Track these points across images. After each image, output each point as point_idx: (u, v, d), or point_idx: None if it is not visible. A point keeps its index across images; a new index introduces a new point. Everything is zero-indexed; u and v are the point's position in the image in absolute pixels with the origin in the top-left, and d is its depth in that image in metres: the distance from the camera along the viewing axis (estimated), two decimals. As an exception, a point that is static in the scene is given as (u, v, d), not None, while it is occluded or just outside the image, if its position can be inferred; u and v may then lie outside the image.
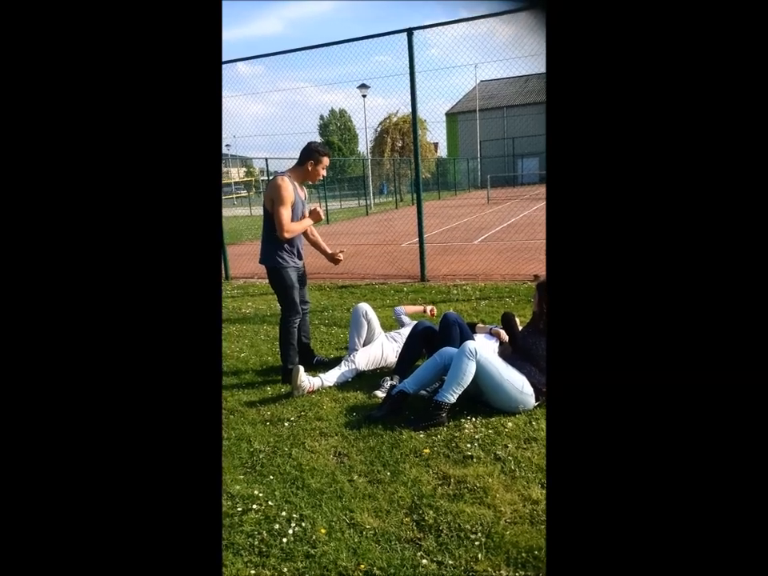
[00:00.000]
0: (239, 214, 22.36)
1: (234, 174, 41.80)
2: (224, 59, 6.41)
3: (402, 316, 3.82)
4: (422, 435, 2.51)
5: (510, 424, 2.56)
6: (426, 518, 1.89)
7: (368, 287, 6.22)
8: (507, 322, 3.00)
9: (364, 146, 32.15)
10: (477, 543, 1.74)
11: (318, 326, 4.60)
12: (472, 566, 1.65)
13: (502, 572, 1.62)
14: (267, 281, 3.43)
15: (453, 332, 3.08)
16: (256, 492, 2.13)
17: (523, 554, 1.67)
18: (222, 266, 7.35)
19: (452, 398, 2.60)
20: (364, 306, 3.49)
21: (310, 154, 3.23)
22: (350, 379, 3.28)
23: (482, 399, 2.73)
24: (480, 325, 3.47)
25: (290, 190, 3.15)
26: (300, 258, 3.36)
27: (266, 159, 16.57)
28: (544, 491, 1.97)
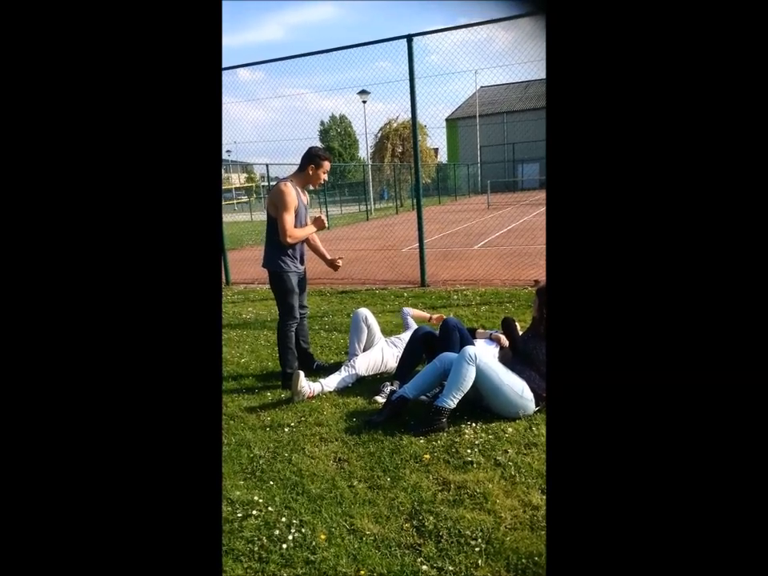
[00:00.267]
0: (240, 219, 22.39)
1: (234, 179, 41.91)
2: (225, 65, 6.45)
3: (408, 318, 3.83)
4: (422, 440, 2.51)
5: (510, 429, 2.55)
6: (426, 523, 1.89)
7: (368, 292, 6.22)
8: (507, 326, 3.00)
9: (364, 151, 32.28)
10: (477, 549, 1.74)
11: (319, 331, 4.60)
12: (472, 572, 1.65)
13: (502, 578, 1.61)
14: (268, 286, 3.44)
15: (453, 337, 3.08)
16: (256, 498, 2.12)
17: (523, 560, 1.67)
18: (223, 272, 7.36)
19: (452, 403, 2.60)
20: (364, 312, 3.49)
21: (311, 158, 3.27)
22: (350, 384, 3.28)
23: (482, 404, 2.73)
24: (480, 330, 3.47)
25: (293, 195, 3.19)
26: (302, 262, 3.40)
27: (267, 165, 16.62)
28: (544, 497, 1.96)
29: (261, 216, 21.39)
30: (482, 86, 35.23)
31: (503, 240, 10.20)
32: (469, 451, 2.38)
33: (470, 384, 2.61)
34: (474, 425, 2.62)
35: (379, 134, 30.30)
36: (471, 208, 20.06)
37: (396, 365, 3.33)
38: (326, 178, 3.44)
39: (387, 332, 3.99)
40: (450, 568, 1.67)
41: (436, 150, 33.49)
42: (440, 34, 5.84)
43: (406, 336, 3.50)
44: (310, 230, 3.36)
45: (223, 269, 7.35)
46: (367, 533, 1.86)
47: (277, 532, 1.90)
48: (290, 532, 1.89)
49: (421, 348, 3.24)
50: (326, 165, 3.31)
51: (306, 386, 3.08)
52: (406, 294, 5.90)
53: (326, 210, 17.96)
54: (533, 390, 2.65)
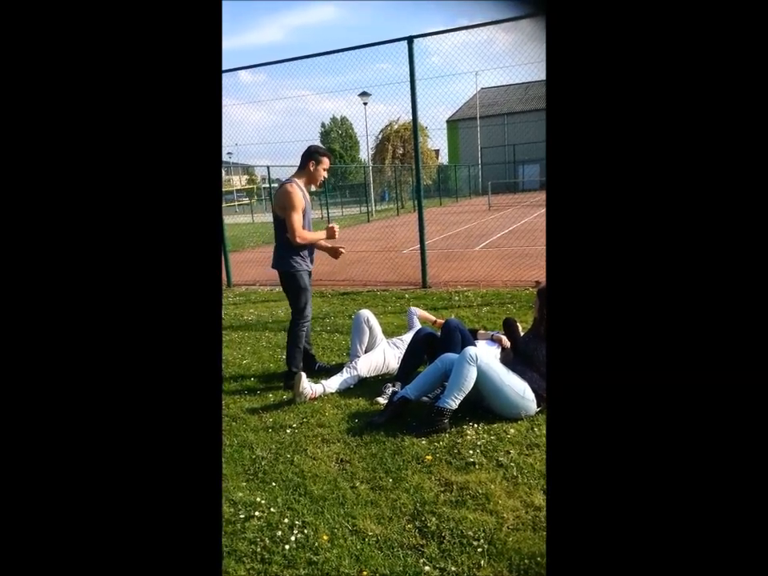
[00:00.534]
0: (241, 221, 22.40)
1: (236, 181, 41.94)
2: (226, 68, 6.45)
3: (414, 317, 3.83)
4: (424, 441, 2.51)
5: (512, 430, 2.55)
6: (429, 524, 1.89)
7: (369, 294, 6.22)
8: (509, 327, 3.01)
9: (365, 153, 32.24)
10: (479, 550, 1.74)
11: (320, 332, 4.61)
12: (474, 572, 1.65)
13: (504, 579, 1.61)
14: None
15: (454, 338, 3.08)
16: (258, 499, 2.12)
17: (526, 561, 1.67)
18: (224, 273, 7.36)
19: (454, 403, 2.60)
20: (366, 313, 3.50)
21: (310, 155, 3.31)
22: (351, 386, 3.28)
23: (484, 405, 2.73)
24: (481, 331, 3.48)
25: (299, 195, 3.23)
26: (312, 261, 3.43)
27: (268, 167, 16.62)
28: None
29: (262, 218, 21.41)
30: (482, 88, 35.24)
31: (504, 241, 10.20)
32: (471, 452, 2.38)
33: (472, 385, 2.61)
34: (475, 426, 2.62)
35: (380, 136, 30.29)
36: (472, 209, 20.05)
37: (397, 366, 3.34)
38: (326, 176, 3.46)
39: (389, 333, 3.99)
40: (453, 569, 1.67)
41: (437, 151, 33.50)
42: (441, 35, 5.85)
43: (407, 337, 3.51)
44: (319, 236, 3.40)
45: (224, 270, 7.36)
46: (370, 534, 1.86)
47: (279, 533, 1.90)
48: (293, 533, 1.89)
49: (422, 349, 3.25)
50: (326, 161, 3.34)
51: (308, 387, 3.08)
52: (407, 296, 5.91)
53: (327, 212, 17.97)
54: (534, 390, 2.65)
